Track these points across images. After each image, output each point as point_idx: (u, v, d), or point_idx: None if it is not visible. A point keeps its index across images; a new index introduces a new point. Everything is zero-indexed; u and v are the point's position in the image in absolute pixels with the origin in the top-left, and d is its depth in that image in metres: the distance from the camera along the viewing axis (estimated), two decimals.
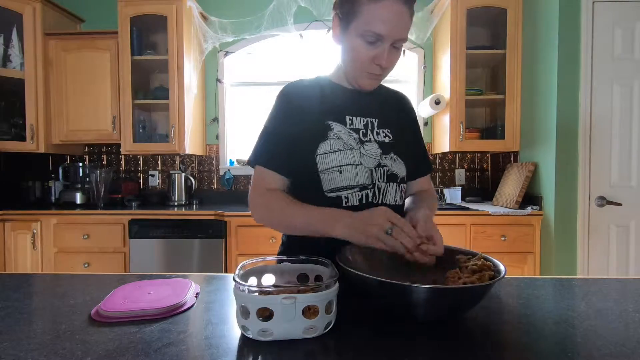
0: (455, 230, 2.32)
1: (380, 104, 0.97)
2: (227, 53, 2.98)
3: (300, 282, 0.73)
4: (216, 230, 2.38)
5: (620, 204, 2.10)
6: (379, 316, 0.67)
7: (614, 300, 0.76)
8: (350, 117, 0.92)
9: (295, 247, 0.94)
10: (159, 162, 3.03)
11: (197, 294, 0.79)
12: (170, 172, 2.83)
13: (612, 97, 2.12)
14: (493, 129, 2.73)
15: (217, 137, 3.01)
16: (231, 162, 3.02)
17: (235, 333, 0.60)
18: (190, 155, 3.01)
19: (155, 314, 0.67)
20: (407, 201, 0.99)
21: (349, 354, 0.55)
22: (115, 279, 0.89)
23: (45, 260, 2.44)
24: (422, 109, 2.72)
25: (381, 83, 0.95)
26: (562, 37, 2.15)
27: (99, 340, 0.58)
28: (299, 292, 0.59)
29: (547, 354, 0.54)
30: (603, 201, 2.12)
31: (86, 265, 2.41)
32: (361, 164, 0.88)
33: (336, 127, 0.90)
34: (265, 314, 0.57)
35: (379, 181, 0.90)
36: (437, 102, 2.56)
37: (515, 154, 2.76)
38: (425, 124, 2.95)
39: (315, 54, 2.99)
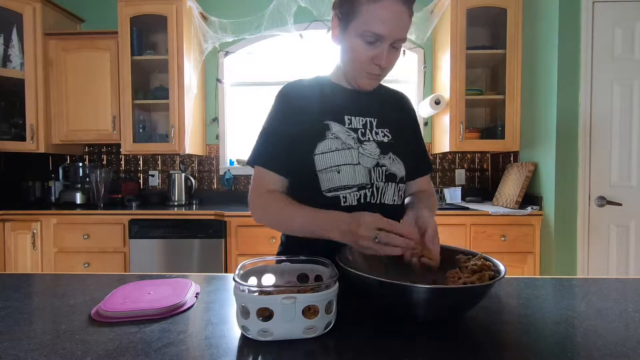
0: (455, 230, 2.32)
1: (380, 104, 0.97)
2: (227, 53, 2.98)
3: (300, 282, 0.73)
4: (216, 230, 2.38)
5: (620, 204, 2.10)
6: (379, 316, 0.67)
7: (614, 300, 0.76)
8: (349, 117, 0.92)
9: (294, 247, 0.93)
10: (159, 162, 3.03)
11: (197, 294, 0.79)
12: (170, 172, 2.83)
13: (612, 97, 2.12)
14: (493, 129, 2.73)
15: (217, 137, 3.01)
16: (231, 162, 3.02)
17: (235, 333, 0.60)
18: (190, 155, 3.01)
19: (155, 314, 0.67)
20: (407, 201, 0.99)
21: (349, 354, 0.55)
22: (115, 279, 0.89)
23: (45, 260, 2.44)
24: (422, 109, 2.72)
25: (381, 83, 0.95)
26: (562, 37, 2.15)
27: (99, 340, 0.58)
28: (299, 292, 0.59)
29: (547, 354, 0.54)
30: (603, 201, 2.12)
31: (86, 265, 2.41)
32: (359, 163, 0.88)
33: (335, 127, 0.90)
34: (265, 314, 0.57)
35: (377, 181, 0.89)
36: (437, 102, 2.56)
37: (515, 154, 2.76)
38: (425, 124, 2.95)
39: (315, 54, 2.99)
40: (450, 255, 0.77)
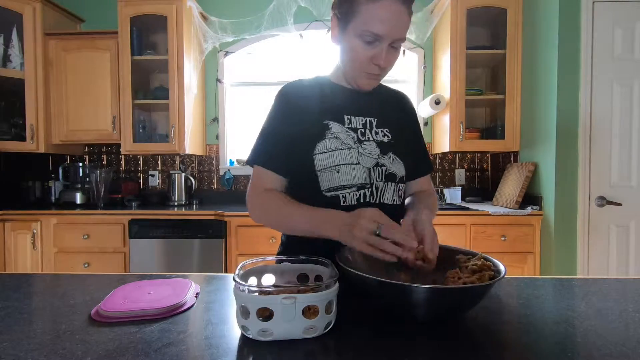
0: (455, 230, 2.32)
1: (380, 104, 0.97)
2: (227, 53, 2.98)
3: (300, 282, 0.73)
4: (216, 230, 2.38)
5: (620, 204, 2.10)
6: (379, 316, 0.67)
7: (614, 300, 0.76)
8: (349, 117, 0.92)
9: (294, 247, 0.93)
10: (159, 162, 3.03)
11: (197, 294, 0.79)
12: (170, 172, 2.83)
13: (612, 97, 2.12)
14: (493, 129, 2.73)
15: (217, 137, 3.01)
16: (231, 162, 3.02)
17: (235, 333, 0.60)
18: (190, 155, 3.01)
19: (155, 314, 0.67)
20: (407, 201, 0.99)
21: (349, 354, 0.55)
22: (115, 279, 0.89)
23: (45, 260, 2.44)
24: (422, 109, 2.72)
25: (381, 83, 0.95)
26: (562, 37, 2.15)
27: (99, 340, 0.58)
28: (299, 292, 0.59)
29: (547, 354, 0.54)
30: (603, 201, 2.12)
31: (86, 265, 2.41)
32: (359, 163, 0.88)
33: (334, 127, 0.90)
34: (265, 314, 0.57)
35: (376, 181, 0.89)
36: (437, 102, 2.56)
37: (515, 154, 2.76)
38: (425, 124, 2.95)
39: (315, 54, 2.99)
40: (450, 255, 0.77)
